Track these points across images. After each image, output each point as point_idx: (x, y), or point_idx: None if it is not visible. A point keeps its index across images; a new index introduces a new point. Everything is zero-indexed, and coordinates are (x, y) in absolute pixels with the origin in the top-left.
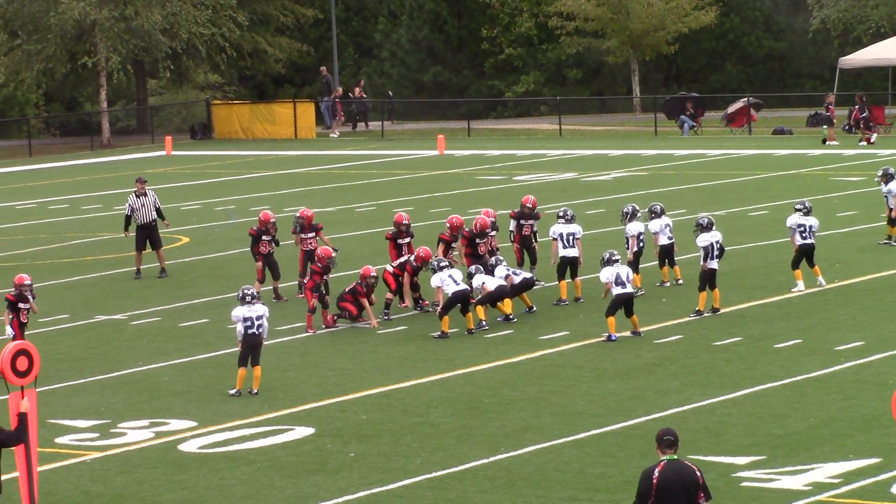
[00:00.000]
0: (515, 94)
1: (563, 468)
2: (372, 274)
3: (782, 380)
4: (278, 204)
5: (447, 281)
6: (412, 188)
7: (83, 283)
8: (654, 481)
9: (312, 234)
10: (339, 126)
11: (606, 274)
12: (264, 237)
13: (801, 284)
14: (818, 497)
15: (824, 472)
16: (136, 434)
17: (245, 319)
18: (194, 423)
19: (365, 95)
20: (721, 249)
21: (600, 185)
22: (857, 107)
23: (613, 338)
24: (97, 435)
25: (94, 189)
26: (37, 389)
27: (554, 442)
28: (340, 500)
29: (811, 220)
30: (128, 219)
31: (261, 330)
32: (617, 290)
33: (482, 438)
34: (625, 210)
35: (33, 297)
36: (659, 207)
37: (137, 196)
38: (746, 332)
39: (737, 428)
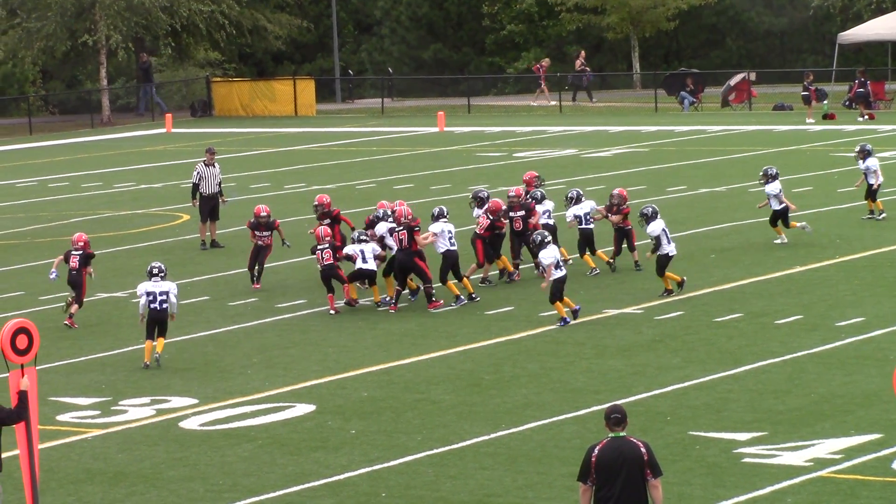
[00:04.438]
0: (516, 70)
1: (564, 444)
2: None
3: (783, 356)
4: (277, 182)
5: (443, 234)
6: (412, 165)
7: None
8: (593, 459)
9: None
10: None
11: (549, 258)
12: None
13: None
14: (819, 473)
15: (825, 447)
16: (137, 411)
17: (148, 294)
18: (195, 401)
19: (588, 68)
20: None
21: (601, 161)
22: (856, 81)
23: (565, 322)
24: (98, 412)
25: (95, 167)
26: (37, 367)
27: (555, 418)
28: (342, 476)
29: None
30: (195, 187)
31: (164, 305)
32: (557, 274)
33: (483, 415)
34: (569, 195)
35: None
36: (576, 193)
37: (206, 165)
38: (747, 308)
39: (738, 404)
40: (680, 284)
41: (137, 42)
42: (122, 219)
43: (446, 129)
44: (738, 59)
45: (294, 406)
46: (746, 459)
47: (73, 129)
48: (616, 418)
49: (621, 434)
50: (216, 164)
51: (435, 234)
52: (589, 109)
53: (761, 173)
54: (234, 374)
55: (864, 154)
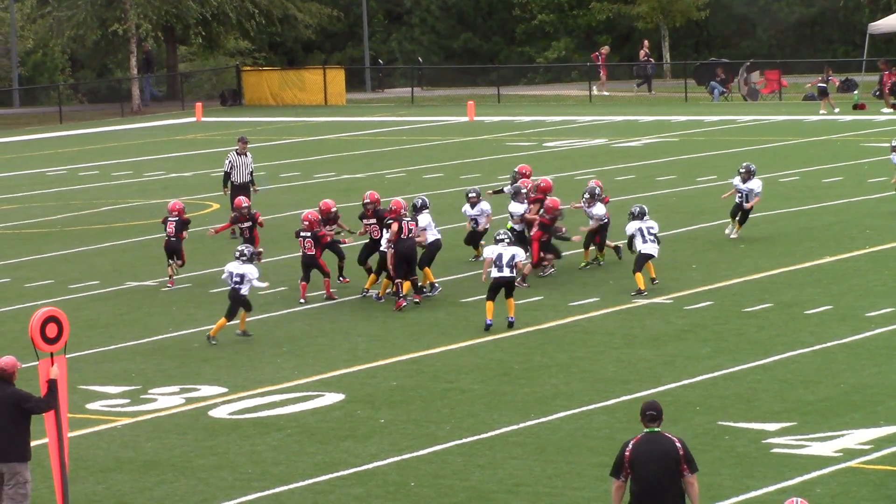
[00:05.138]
0: (546, 60)
1: (593, 434)
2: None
3: (813, 346)
4: (307, 171)
5: (430, 225)
6: (442, 154)
7: (114, 249)
8: (627, 453)
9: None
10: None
11: (488, 252)
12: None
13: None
14: (848, 463)
15: (854, 438)
16: (166, 400)
17: (230, 274)
18: (225, 389)
19: (651, 59)
20: (655, 238)
21: (631, 151)
22: (886, 72)
23: (489, 323)
24: (128, 401)
25: (125, 155)
26: (67, 356)
27: (584, 408)
28: (370, 466)
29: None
30: (226, 176)
31: (239, 286)
32: (494, 273)
33: (512, 404)
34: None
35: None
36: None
37: (238, 154)
38: (777, 298)
39: (767, 394)
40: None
41: (168, 31)
42: (153, 207)
43: (476, 118)
44: (768, 48)
45: (323, 395)
46: (776, 450)
47: (103, 118)
48: (651, 415)
49: (656, 430)
50: (248, 153)
51: (424, 229)
52: (619, 99)
53: (743, 168)
54: (263, 363)
55: None
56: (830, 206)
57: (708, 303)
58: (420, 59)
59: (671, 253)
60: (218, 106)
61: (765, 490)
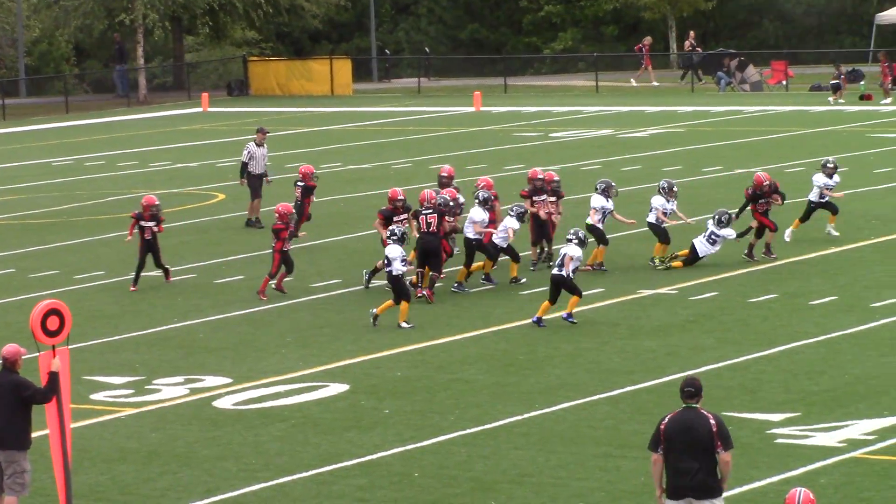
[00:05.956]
0: (553, 50)
1: (597, 425)
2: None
3: (817, 336)
4: (314, 161)
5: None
6: (448, 145)
7: (119, 239)
8: (662, 427)
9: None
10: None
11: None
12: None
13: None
14: (853, 454)
15: (859, 428)
16: (170, 391)
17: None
18: (229, 380)
19: (699, 49)
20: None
21: (637, 141)
22: (886, 64)
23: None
24: (132, 391)
25: (131, 146)
26: (70, 346)
27: (588, 399)
28: (374, 456)
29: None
30: (244, 166)
31: (390, 269)
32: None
33: (516, 395)
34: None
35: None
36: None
37: (258, 145)
38: (782, 288)
39: (772, 385)
40: (598, 266)
41: (174, 21)
42: (159, 198)
43: (483, 108)
44: (775, 39)
45: (328, 386)
46: (780, 440)
47: (109, 108)
48: (689, 392)
49: (694, 405)
50: (265, 145)
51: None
52: (625, 90)
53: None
54: (267, 354)
55: None
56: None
57: (713, 293)
58: (427, 50)
59: (676, 243)
60: (224, 96)
61: (769, 480)
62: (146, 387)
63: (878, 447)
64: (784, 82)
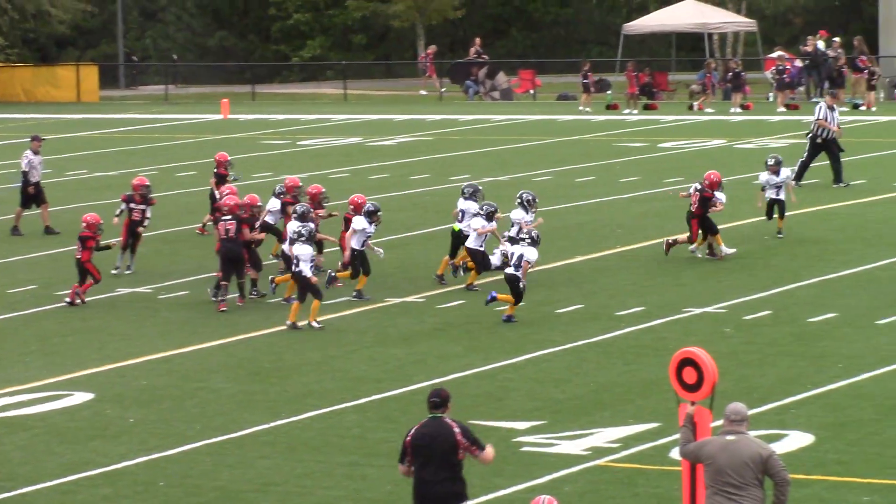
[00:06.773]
0: (301, 58)
1: (344, 433)
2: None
3: (563, 345)
4: (60, 168)
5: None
6: (195, 152)
7: None
8: (408, 440)
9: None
10: None
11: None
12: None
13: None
14: (597, 461)
15: (604, 436)
16: None
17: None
18: None
19: (485, 56)
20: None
21: (384, 149)
22: (634, 74)
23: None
24: None
25: None
26: None
27: (335, 407)
28: (119, 465)
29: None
30: (25, 175)
31: (298, 269)
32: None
33: (263, 404)
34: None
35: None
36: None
37: (34, 153)
38: (530, 297)
39: (518, 393)
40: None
41: None
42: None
43: (230, 116)
44: (523, 48)
45: (72, 394)
46: (525, 448)
47: None
48: (434, 402)
49: (439, 415)
50: (40, 152)
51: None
52: (374, 98)
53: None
54: (11, 363)
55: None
56: (582, 206)
57: (460, 301)
58: (175, 57)
59: (423, 252)
60: None
61: (514, 489)
62: None
63: (622, 455)
64: (531, 91)
